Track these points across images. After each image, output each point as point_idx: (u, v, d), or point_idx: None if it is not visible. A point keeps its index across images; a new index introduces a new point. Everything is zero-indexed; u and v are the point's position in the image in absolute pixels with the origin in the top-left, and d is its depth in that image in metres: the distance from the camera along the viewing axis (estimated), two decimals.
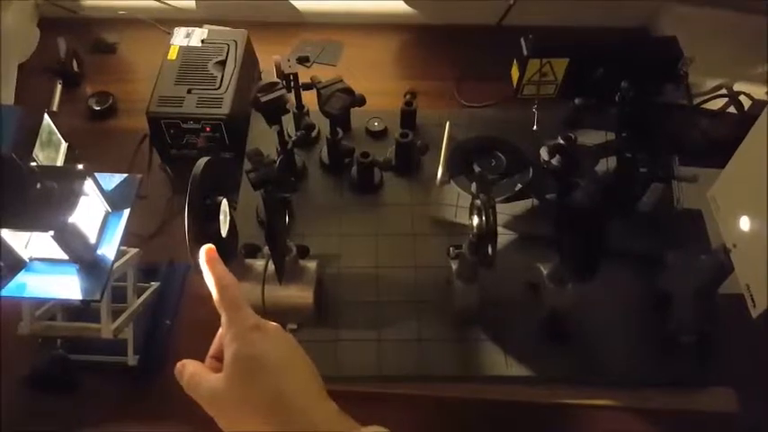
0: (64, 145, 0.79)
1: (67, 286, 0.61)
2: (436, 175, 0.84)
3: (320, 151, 0.89)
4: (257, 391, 0.34)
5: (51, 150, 0.75)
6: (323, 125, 0.88)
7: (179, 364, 0.38)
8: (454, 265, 0.71)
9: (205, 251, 0.40)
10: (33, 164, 0.66)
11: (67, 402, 0.71)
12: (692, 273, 0.72)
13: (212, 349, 0.40)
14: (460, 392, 0.72)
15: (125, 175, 0.70)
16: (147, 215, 0.84)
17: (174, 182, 0.89)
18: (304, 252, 0.77)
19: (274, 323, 0.38)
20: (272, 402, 0.34)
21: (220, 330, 0.38)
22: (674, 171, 0.79)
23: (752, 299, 0.63)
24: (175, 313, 0.78)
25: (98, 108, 0.97)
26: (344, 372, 0.71)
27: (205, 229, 0.56)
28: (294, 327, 0.73)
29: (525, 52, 0.80)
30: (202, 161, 0.55)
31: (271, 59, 0.81)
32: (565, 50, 0.80)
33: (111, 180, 0.69)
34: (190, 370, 0.37)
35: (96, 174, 0.63)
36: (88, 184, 0.61)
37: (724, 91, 0.94)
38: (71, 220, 0.59)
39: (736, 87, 0.94)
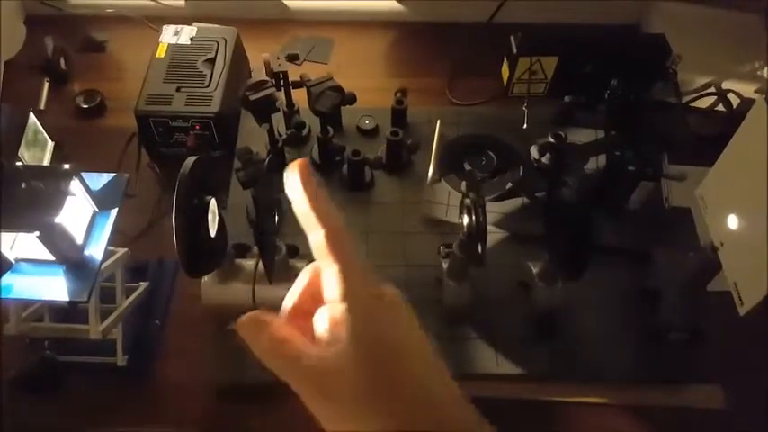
0: (50, 144, 0.78)
1: (54, 287, 0.61)
2: (427, 173, 0.83)
3: (311, 150, 0.88)
4: (390, 382, 0.26)
5: (37, 150, 0.75)
6: (313, 123, 0.88)
7: (247, 318, 0.28)
8: (445, 264, 0.71)
9: (298, 167, 0.29)
10: (19, 164, 0.66)
11: (56, 404, 0.71)
12: (680, 270, 0.73)
13: (293, 299, 0.30)
14: None
15: (112, 174, 0.69)
16: (135, 214, 0.83)
17: (162, 181, 0.89)
18: (294, 251, 0.76)
19: (391, 288, 0.29)
20: (408, 394, 0.26)
21: (307, 276, 0.30)
22: (663, 169, 0.80)
23: (739, 296, 0.63)
24: (165, 313, 0.78)
25: (86, 106, 0.96)
26: None
27: (193, 229, 0.56)
28: None
29: (515, 51, 0.80)
30: (190, 161, 0.55)
31: (261, 57, 0.81)
32: (554, 48, 0.81)
33: (99, 179, 0.68)
34: (279, 334, 0.28)
35: (83, 173, 0.63)
36: (75, 184, 0.61)
37: (713, 89, 0.95)
38: (57, 220, 0.58)
39: (725, 85, 0.94)
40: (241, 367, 0.71)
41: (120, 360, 0.71)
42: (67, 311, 0.71)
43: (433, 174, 0.83)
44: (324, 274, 0.28)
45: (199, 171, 0.55)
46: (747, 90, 0.93)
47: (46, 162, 0.77)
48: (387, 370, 0.26)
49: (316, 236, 0.28)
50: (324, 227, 0.28)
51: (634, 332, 0.74)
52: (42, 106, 0.97)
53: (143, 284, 0.77)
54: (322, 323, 0.28)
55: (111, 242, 0.66)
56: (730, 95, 0.93)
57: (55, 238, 0.59)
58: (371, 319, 0.27)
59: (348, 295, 0.27)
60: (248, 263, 0.70)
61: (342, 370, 0.26)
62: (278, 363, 0.27)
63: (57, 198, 0.59)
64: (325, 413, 0.27)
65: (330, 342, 0.27)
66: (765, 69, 0.95)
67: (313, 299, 0.29)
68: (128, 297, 0.73)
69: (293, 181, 0.28)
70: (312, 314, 0.29)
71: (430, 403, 0.27)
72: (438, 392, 0.27)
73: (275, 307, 0.79)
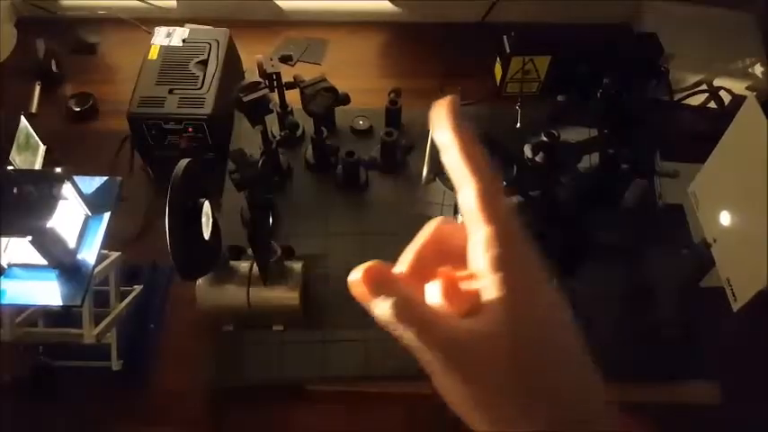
0: (42, 148, 0.77)
1: (47, 292, 0.60)
2: (422, 173, 0.84)
3: (305, 151, 0.88)
4: (544, 376, 0.23)
5: (29, 153, 0.74)
6: (307, 124, 0.88)
7: (370, 271, 0.23)
8: None
9: (448, 105, 0.24)
10: (10, 168, 0.65)
11: (51, 409, 0.70)
12: (673, 267, 0.73)
13: (410, 257, 0.25)
14: None
15: (105, 177, 0.69)
16: (129, 217, 0.83)
17: (156, 183, 0.88)
18: (289, 253, 0.76)
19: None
20: (562, 394, 0.23)
21: (430, 233, 0.26)
22: (656, 166, 0.80)
23: (732, 292, 0.64)
24: (160, 317, 0.77)
25: (78, 109, 0.96)
26: (332, 372, 0.71)
27: (187, 232, 0.55)
28: (280, 328, 0.72)
29: (508, 50, 0.80)
30: (183, 163, 0.54)
31: (254, 59, 0.81)
32: (547, 48, 0.81)
33: (91, 183, 0.68)
34: (414, 294, 0.23)
35: (76, 177, 0.62)
36: (67, 188, 0.61)
37: (704, 86, 0.95)
38: (50, 224, 0.58)
39: (717, 83, 0.95)
40: (237, 369, 0.71)
41: (116, 364, 0.70)
42: (62, 316, 0.71)
43: (428, 173, 0.83)
44: (473, 236, 0.23)
45: (192, 173, 0.55)
46: (739, 87, 0.94)
47: (38, 166, 0.76)
48: (543, 360, 0.23)
49: (467, 191, 0.23)
50: (478, 180, 0.23)
51: (629, 329, 0.74)
52: (34, 110, 0.97)
53: (137, 288, 0.76)
54: (434, 291, 0.24)
55: (104, 246, 0.65)
56: (722, 93, 0.94)
57: (47, 243, 0.58)
58: (531, 296, 0.23)
59: (504, 264, 0.23)
60: (243, 265, 0.69)
61: (491, 349, 0.22)
62: (413, 329, 0.22)
63: (49, 202, 0.58)
64: (459, 395, 0.23)
65: (483, 315, 0.23)
66: (756, 66, 0.96)
67: (433, 260, 0.25)
68: (122, 301, 0.72)
69: (442, 122, 0.24)
70: (428, 278, 0.25)
71: (581, 410, 0.23)
72: (592, 398, 0.23)
73: (271, 308, 0.78)
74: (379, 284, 0.23)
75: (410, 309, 0.23)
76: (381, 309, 0.23)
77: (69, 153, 0.86)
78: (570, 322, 0.24)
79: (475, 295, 0.23)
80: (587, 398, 0.23)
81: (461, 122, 0.24)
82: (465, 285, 0.24)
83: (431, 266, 0.25)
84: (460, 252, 0.24)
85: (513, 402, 0.22)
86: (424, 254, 0.25)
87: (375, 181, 0.86)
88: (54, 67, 1.01)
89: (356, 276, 0.23)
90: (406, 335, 0.23)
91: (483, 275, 0.23)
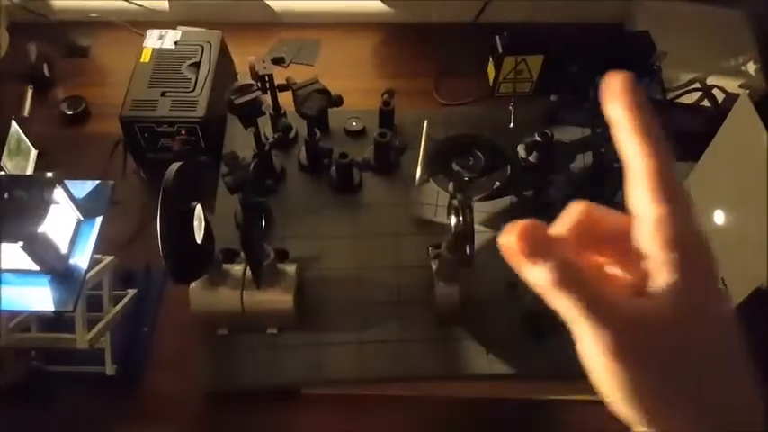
0: (34, 152, 0.77)
1: (40, 298, 0.60)
2: (415, 174, 0.83)
3: (298, 153, 0.88)
4: (707, 369, 0.21)
5: (21, 158, 0.74)
6: (301, 126, 0.88)
7: (529, 229, 0.22)
8: (434, 265, 0.71)
9: (621, 81, 0.23)
10: (1, 173, 0.65)
11: (44, 414, 0.70)
12: None
13: (561, 229, 0.24)
14: (444, 391, 0.72)
15: (97, 181, 0.68)
16: (122, 221, 0.83)
17: (149, 187, 0.88)
18: (283, 255, 0.76)
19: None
20: (724, 392, 0.22)
21: (576, 215, 0.24)
22: None
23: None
24: (154, 320, 0.77)
25: (70, 113, 0.95)
26: (327, 375, 0.70)
27: (179, 236, 0.55)
28: (274, 331, 0.72)
29: (500, 50, 0.80)
30: (174, 167, 0.54)
31: (246, 61, 0.80)
32: (539, 47, 0.81)
33: (83, 187, 0.68)
34: (578, 263, 0.22)
35: (67, 181, 0.62)
36: (59, 193, 0.60)
37: (698, 85, 0.95)
38: (41, 229, 0.58)
39: (710, 81, 0.95)
40: (231, 373, 0.71)
41: (109, 369, 0.70)
42: (55, 321, 0.70)
43: (422, 174, 0.82)
44: (643, 216, 0.22)
45: (184, 177, 0.55)
46: (732, 85, 0.94)
47: (29, 171, 0.76)
48: (710, 361, 0.21)
49: (638, 169, 0.22)
50: (652, 158, 0.22)
51: None
52: (26, 114, 0.96)
53: (131, 292, 0.76)
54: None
55: (96, 250, 0.65)
56: (715, 91, 0.94)
57: (39, 248, 0.58)
58: (705, 284, 0.22)
59: (678, 246, 0.21)
60: (236, 268, 0.69)
61: (658, 333, 0.20)
62: (575, 297, 0.21)
63: (40, 207, 0.58)
64: (617, 380, 0.21)
65: (652, 296, 0.21)
66: (749, 65, 0.96)
67: (576, 244, 0.24)
68: (116, 305, 0.72)
69: (615, 97, 0.23)
70: None
71: (737, 420, 0.21)
72: (746, 398, 0.22)
73: (264, 311, 0.77)
74: (538, 245, 0.21)
75: (574, 273, 0.21)
76: (539, 272, 0.21)
77: (61, 157, 0.85)
78: (735, 321, 0.22)
79: (623, 281, 0.23)
80: (746, 411, 0.22)
81: (638, 99, 0.22)
82: (609, 269, 0.24)
83: (573, 250, 0.23)
84: (605, 238, 0.24)
85: (672, 400, 0.21)
86: (566, 236, 0.24)
87: (369, 182, 0.86)
88: (46, 71, 1.00)
89: (510, 235, 0.21)
90: (565, 303, 0.21)
91: (652, 257, 0.21)
